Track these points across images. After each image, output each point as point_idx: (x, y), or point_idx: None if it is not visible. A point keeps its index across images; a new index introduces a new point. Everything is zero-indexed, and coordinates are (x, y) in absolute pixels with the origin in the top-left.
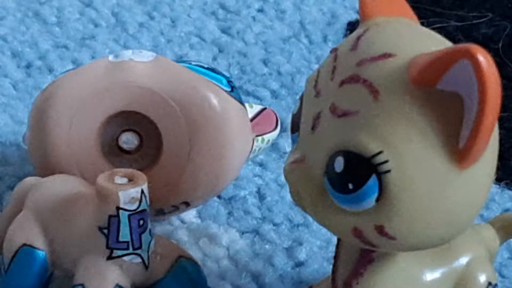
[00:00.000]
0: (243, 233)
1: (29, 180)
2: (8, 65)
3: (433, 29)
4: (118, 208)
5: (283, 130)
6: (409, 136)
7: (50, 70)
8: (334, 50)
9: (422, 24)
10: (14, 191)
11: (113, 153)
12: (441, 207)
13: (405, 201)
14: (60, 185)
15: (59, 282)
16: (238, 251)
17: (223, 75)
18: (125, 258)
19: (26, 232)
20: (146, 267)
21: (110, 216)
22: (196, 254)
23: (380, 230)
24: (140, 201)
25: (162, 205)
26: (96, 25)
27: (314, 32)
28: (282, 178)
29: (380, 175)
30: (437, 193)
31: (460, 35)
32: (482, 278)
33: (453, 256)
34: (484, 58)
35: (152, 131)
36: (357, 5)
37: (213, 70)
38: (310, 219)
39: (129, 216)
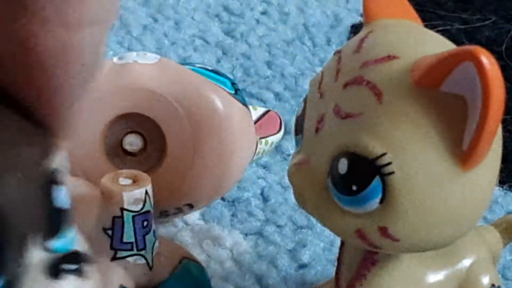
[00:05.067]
0: (246, 235)
1: None
2: None
3: (437, 31)
4: (122, 209)
5: (286, 132)
6: (413, 138)
7: None
8: (337, 52)
9: (426, 26)
10: None
11: (117, 155)
12: (444, 209)
13: (409, 202)
14: None
15: None
16: (242, 253)
17: (227, 78)
18: (129, 259)
19: None
20: (150, 268)
21: (114, 217)
22: (199, 256)
23: (384, 231)
24: (144, 202)
25: (166, 207)
26: None
27: (318, 35)
28: (286, 180)
29: (384, 176)
30: (440, 195)
31: (463, 38)
32: (485, 280)
33: (457, 258)
34: (487, 60)
35: (156, 133)
36: (360, 8)
37: (217, 72)
38: (314, 221)
39: (133, 217)
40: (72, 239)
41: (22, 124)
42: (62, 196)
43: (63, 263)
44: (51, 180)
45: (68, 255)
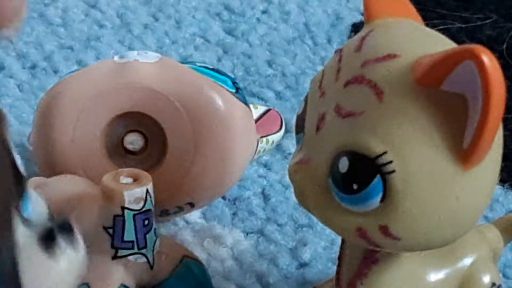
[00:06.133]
0: (247, 234)
1: (34, 180)
2: (13, 66)
3: (437, 30)
4: (123, 208)
5: (287, 131)
6: (413, 136)
7: (55, 71)
8: (338, 51)
9: (426, 25)
10: None
11: (118, 154)
12: (445, 208)
13: (409, 201)
14: (65, 185)
15: None
16: (243, 252)
17: (228, 76)
18: (130, 257)
19: None
20: (151, 267)
21: (115, 216)
22: (200, 255)
23: (384, 230)
24: (145, 201)
25: (166, 205)
26: (101, 26)
27: (319, 34)
28: (287, 179)
29: (385, 175)
30: (441, 194)
31: (464, 37)
32: (486, 279)
33: (457, 256)
34: (488, 59)
35: (157, 132)
36: (361, 7)
37: (218, 71)
38: (315, 219)
39: (134, 215)
40: (33, 198)
41: None
42: (19, 160)
43: (56, 235)
44: (8, 146)
45: (58, 225)
